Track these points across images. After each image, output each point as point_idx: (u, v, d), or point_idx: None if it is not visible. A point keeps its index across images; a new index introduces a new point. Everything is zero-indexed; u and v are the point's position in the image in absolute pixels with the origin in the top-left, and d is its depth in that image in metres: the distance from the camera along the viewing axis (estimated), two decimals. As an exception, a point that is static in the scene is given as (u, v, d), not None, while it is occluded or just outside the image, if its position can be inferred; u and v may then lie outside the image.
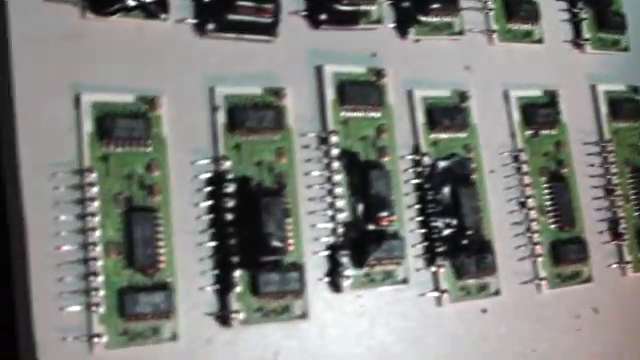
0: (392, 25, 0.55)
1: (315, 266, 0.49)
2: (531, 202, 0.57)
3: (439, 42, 0.56)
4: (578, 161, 0.59)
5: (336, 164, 0.51)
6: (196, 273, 0.46)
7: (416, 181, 0.53)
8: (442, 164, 0.54)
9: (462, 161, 0.54)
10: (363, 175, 0.51)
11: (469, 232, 0.53)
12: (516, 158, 0.57)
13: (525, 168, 0.57)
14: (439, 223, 0.53)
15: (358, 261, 0.50)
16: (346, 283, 0.50)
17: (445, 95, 0.55)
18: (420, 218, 0.53)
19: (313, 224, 0.50)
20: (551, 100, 0.59)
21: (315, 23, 0.52)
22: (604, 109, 0.61)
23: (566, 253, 0.56)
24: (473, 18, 0.58)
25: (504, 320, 0.54)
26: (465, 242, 0.53)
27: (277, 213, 0.48)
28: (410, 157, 0.54)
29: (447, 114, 0.54)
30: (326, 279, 0.50)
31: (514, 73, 0.59)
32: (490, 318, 0.54)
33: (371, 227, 0.51)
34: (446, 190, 0.53)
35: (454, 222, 0.53)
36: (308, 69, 0.52)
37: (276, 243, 0.47)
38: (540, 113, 0.58)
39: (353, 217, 0.51)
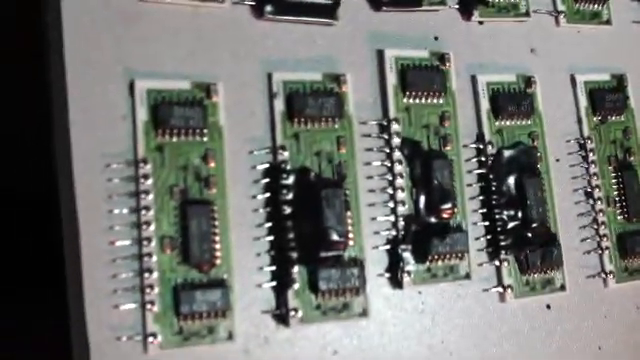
0: (455, 6, 0.52)
1: (375, 261, 0.47)
2: (598, 192, 0.53)
3: (504, 24, 0.54)
4: (646, 149, 0.56)
5: (397, 154, 0.48)
6: (253, 269, 0.45)
7: (480, 171, 0.50)
8: (507, 153, 0.51)
9: (528, 150, 0.52)
10: (425, 165, 0.49)
11: (534, 225, 0.51)
12: (582, 146, 0.54)
13: (592, 156, 0.54)
14: (503, 215, 0.50)
15: (420, 256, 0.47)
16: (407, 279, 0.47)
17: (510, 80, 0.53)
18: (483, 210, 0.50)
19: (373, 217, 0.47)
20: (619, 84, 0.56)
21: (376, 4, 0.50)
22: (674, 94, 0.58)
23: (634, 245, 0.54)
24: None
25: (569, 316, 0.52)
26: (530, 235, 0.50)
27: (337, 206, 0.45)
28: (474, 146, 0.50)
29: (512, 100, 0.52)
30: (387, 275, 0.47)
31: (581, 56, 0.56)
32: (555, 314, 0.52)
33: (433, 220, 0.48)
34: (511, 181, 0.51)
35: (519, 214, 0.50)
36: (369, 53, 0.49)
37: (336, 237, 0.45)
38: (608, 98, 0.55)
39: (414, 210, 0.48)
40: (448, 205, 0.48)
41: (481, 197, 0.51)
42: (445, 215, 0.49)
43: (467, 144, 0.51)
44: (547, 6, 0.55)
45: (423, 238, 0.48)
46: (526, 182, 0.51)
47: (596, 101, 0.55)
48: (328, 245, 0.45)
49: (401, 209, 0.48)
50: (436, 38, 0.51)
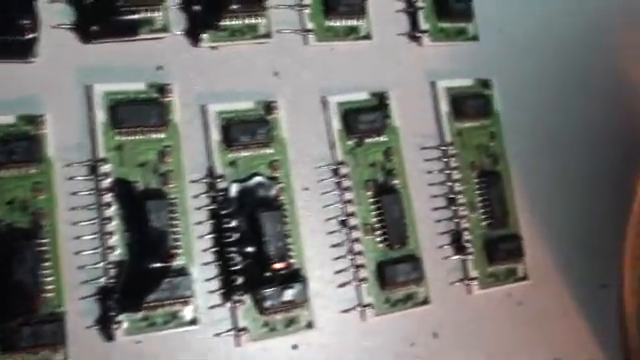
0: (182, 32, 0.48)
1: (83, 313, 0.44)
2: (354, 220, 0.50)
3: (241, 47, 0.50)
4: (414, 169, 0.53)
5: (109, 196, 0.44)
6: None
7: (210, 208, 0.47)
8: (240, 187, 0.48)
9: (264, 182, 0.48)
10: (139, 207, 0.45)
11: (272, 261, 0.47)
12: (336, 172, 0.50)
13: (346, 182, 0.50)
14: (237, 253, 0.47)
15: (133, 304, 0.44)
16: (120, 330, 0.44)
17: (247, 107, 0.49)
18: (215, 249, 0.47)
19: (81, 265, 0.44)
20: (380, 103, 0.52)
21: (85, 37, 0.46)
22: (445, 108, 0.55)
23: (395, 274, 0.51)
24: (284, 17, 0.51)
25: (320, 356, 0.49)
26: (268, 273, 0.47)
27: (29, 259, 0.42)
28: (203, 181, 0.47)
29: (248, 129, 0.48)
30: (95, 327, 0.44)
31: (336, 76, 0.53)
32: (303, 355, 0.49)
33: (152, 265, 0.45)
34: (245, 216, 0.47)
35: (254, 251, 0.47)
36: (76, 90, 0.46)
37: (27, 294, 0.41)
38: (364, 119, 0.51)
39: (129, 255, 0.44)
40: (166, 248, 0.45)
41: (212, 236, 0.47)
42: (165, 258, 0.45)
43: (196, 179, 0.47)
44: (294, 25, 0.51)
45: (137, 285, 0.44)
46: (261, 216, 0.48)
47: (350, 122, 0.51)
48: (18, 304, 0.42)
49: (113, 255, 0.44)
50: (160, 68, 0.48)
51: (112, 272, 0.45)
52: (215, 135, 0.48)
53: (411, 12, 0.55)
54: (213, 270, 0.47)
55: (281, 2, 0.51)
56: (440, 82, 0.55)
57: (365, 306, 0.50)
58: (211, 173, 0.48)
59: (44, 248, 0.44)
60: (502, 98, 0.57)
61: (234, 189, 0.48)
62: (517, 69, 0.58)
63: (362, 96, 0.53)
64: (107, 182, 0.46)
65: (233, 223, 0.48)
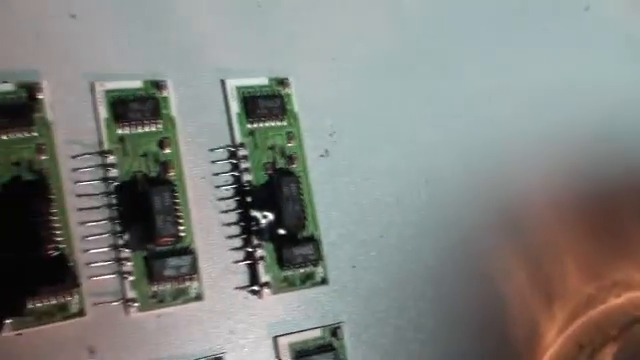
0: (-18, 323, 0.44)
1: None
2: None
3: (50, 329, 0.45)
4: None
5: None
6: None
7: None
8: None
9: None
10: None
11: None
12: None
13: None
14: None
15: None
16: None
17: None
18: None
19: None
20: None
21: None
22: (293, 367, 0.50)
23: None
24: (101, 288, 0.47)
25: None
26: None
27: None
28: None
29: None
30: None
31: (165, 347, 0.48)
32: None
33: None
34: None
35: None
36: None
37: None
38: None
39: None
40: None
41: None
42: None
43: None
44: (113, 295, 0.47)
45: None
46: None
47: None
48: None
49: None
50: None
51: None
52: None
53: (250, 264, 0.51)
54: None
55: (98, 272, 0.47)
56: (282, 339, 0.51)
57: None
58: None
59: None
60: (354, 344, 0.52)
61: None
62: (369, 310, 0.54)
63: (190, 363, 0.48)
64: None
65: None
